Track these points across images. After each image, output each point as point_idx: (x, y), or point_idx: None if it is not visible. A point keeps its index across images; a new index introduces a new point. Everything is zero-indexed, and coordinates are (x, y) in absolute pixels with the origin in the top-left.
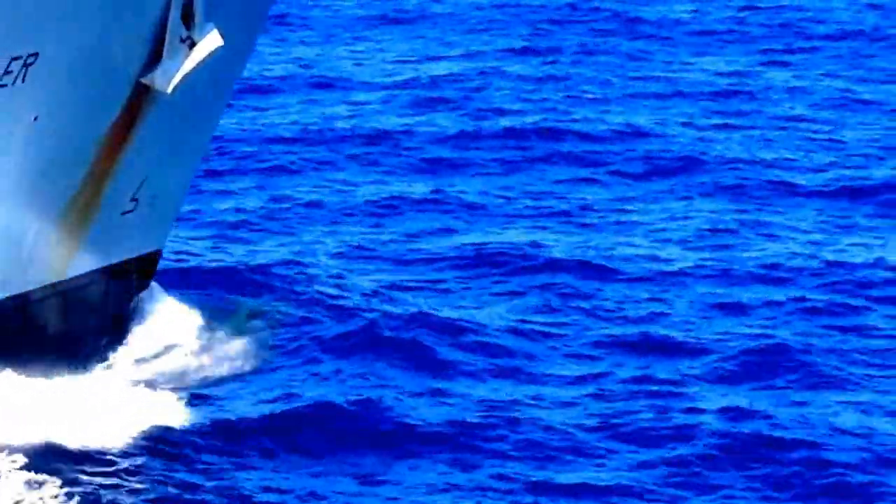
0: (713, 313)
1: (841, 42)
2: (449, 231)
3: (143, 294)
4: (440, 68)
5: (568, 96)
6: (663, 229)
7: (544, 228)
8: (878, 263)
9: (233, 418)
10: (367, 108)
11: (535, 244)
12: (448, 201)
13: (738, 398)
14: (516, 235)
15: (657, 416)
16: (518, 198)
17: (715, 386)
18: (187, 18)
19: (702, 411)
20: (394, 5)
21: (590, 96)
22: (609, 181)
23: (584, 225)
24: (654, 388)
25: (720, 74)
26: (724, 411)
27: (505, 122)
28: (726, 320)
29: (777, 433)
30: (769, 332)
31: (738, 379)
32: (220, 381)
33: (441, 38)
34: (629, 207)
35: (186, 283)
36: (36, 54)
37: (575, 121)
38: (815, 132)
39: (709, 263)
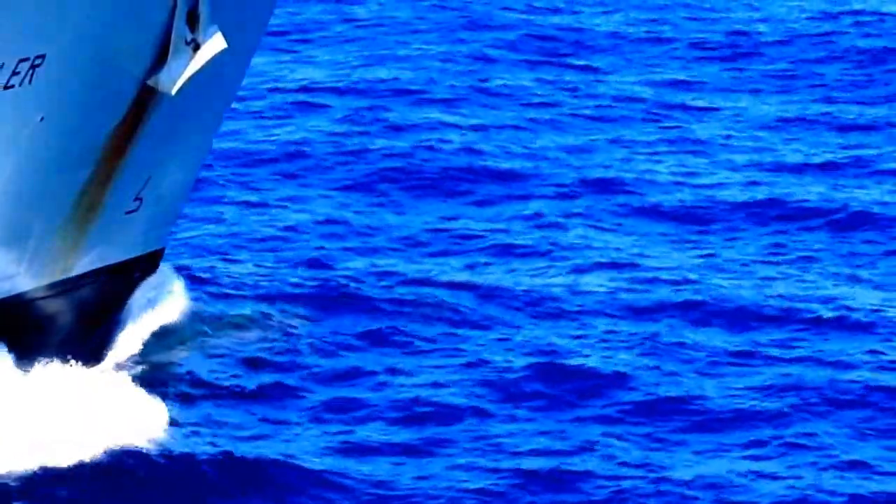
0: (627, 346)
1: (786, 57)
2: (362, 252)
3: None
4: (367, 78)
5: (496, 109)
6: (585, 249)
7: (459, 251)
8: (810, 294)
9: (99, 463)
10: (286, 121)
11: (447, 269)
12: (358, 222)
13: (635, 443)
14: (428, 260)
15: (557, 463)
16: (435, 220)
17: (615, 427)
18: (192, 21)
19: (591, 452)
20: (317, 14)
21: (526, 114)
22: (531, 202)
23: (502, 249)
24: (553, 427)
25: (657, 87)
26: (620, 458)
27: (428, 137)
28: (640, 355)
29: (673, 475)
30: (681, 367)
31: (642, 419)
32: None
33: (370, 47)
34: (548, 228)
35: None
36: (43, 56)
37: (506, 140)
38: (751, 151)
39: (628, 291)
